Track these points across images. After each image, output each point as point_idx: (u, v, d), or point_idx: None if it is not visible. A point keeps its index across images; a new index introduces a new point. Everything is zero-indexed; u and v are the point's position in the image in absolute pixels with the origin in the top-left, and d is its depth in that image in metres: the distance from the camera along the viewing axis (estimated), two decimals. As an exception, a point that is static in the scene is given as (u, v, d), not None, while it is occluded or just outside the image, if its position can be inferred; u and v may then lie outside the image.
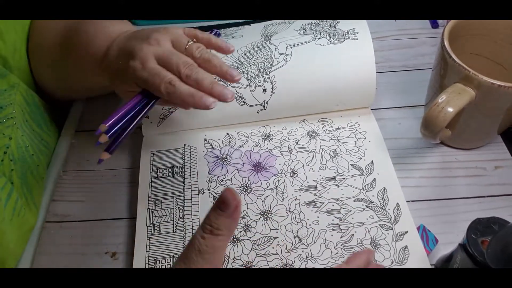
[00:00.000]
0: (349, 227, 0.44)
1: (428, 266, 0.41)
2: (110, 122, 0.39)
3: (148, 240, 0.44)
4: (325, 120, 0.53)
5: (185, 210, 0.46)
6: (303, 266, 0.42)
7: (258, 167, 0.49)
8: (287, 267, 0.42)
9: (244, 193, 0.47)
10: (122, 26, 0.47)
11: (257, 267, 0.42)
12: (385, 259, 0.41)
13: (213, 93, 0.40)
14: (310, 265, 0.42)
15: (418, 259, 0.41)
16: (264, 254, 0.42)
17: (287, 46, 0.52)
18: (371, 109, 0.54)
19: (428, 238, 0.42)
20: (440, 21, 0.66)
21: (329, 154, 0.50)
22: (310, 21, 0.55)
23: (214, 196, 0.47)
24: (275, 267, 0.42)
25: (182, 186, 0.48)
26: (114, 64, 0.43)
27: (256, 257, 0.42)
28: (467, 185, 0.47)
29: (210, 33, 0.48)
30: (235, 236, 0.44)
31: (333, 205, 0.45)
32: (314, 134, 0.52)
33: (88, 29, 0.47)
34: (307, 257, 0.42)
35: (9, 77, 0.47)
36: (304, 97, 0.51)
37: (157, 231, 0.44)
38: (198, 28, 0.45)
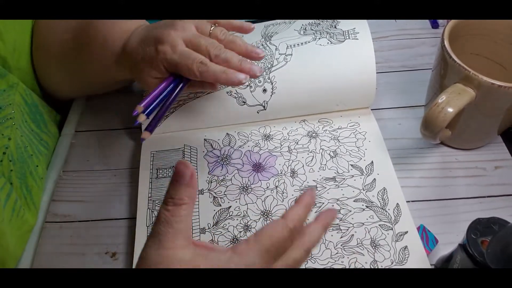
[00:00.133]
0: (349, 227, 0.44)
1: (428, 266, 0.41)
2: (145, 103, 0.41)
3: (148, 240, 0.44)
4: (325, 120, 0.53)
5: (185, 210, 0.46)
6: (303, 266, 0.42)
7: (258, 167, 0.49)
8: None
9: (244, 193, 0.47)
10: (135, 20, 0.48)
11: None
12: (385, 259, 0.41)
13: (242, 69, 0.42)
14: (310, 265, 0.42)
15: (418, 259, 0.41)
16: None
17: (287, 46, 0.52)
18: (371, 109, 0.54)
19: (428, 238, 0.42)
20: (440, 21, 0.66)
21: (329, 154, 0.50)
22: (310, 21, 0.55)
23: (214, 197, 0.47)
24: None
25: (182, 186, 0.48)
26: (136, 53, 0.44)
27: (256, 257, 0.42)
28: (467, 185, 0.47)
29: None
30: (235, 236, 0.44)
31: (333, 205, 0.45)
32: (314, 134, 0.52)
33: (103, 24, 0.47)
34: (307, 257, 0.42)
35: (8, 77, 0.47)
36: (304, 97, 0.51)
37: (157, 231, 0.44)
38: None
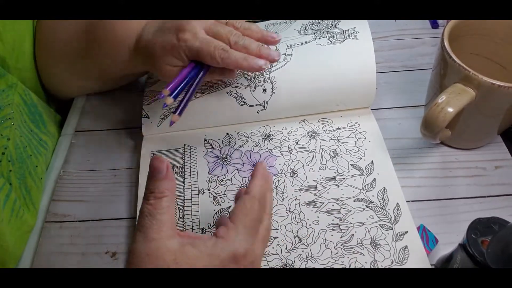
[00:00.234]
0: (349, 227, 0.44)
1: (428, 266, 0.41)
2: (171, 86, 0.42)
3: (148, 240, 0.44)
4: (325, 120, 0.53)
5: (185, 210, 0.46)
6: (303, 266, 0.41)
7: (258, 167, 0.49)
8: (287, 267, 0.42)
9: (244, 193, 0.47)
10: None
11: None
12: (385, 259, 0.41)
13: (261, 55, 0.44)
14: (310, 265, 0.42)
15: (418, 259, 0.41)
16: (264, 254, 0.42)
17: (288, 46, 0.52)
18: (371, 109, 0.54)
19: (428, 238, 0.42)
20: (440, 21, 0.66)
21: (329, 154, 0.50)
22: (310, 20, 0.55)
23: (214, 196, 0.47)
24: (275, 267, 0.42)
25: (182, 186, 0.48)
26: (153, 44, 0.45)
27: (256, 257, 0.42)
28: (467, 185, 0.47)
29: None
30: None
31: (333, 205, 0.45)
32: (314, 134, 0.52)
33: (110, 24, 0.48)
34: (307, 257, 0.42)
35: (7, 77, 0.47)
36: (304, 97, 0.51)
37: (157, 231, 0.44)
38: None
